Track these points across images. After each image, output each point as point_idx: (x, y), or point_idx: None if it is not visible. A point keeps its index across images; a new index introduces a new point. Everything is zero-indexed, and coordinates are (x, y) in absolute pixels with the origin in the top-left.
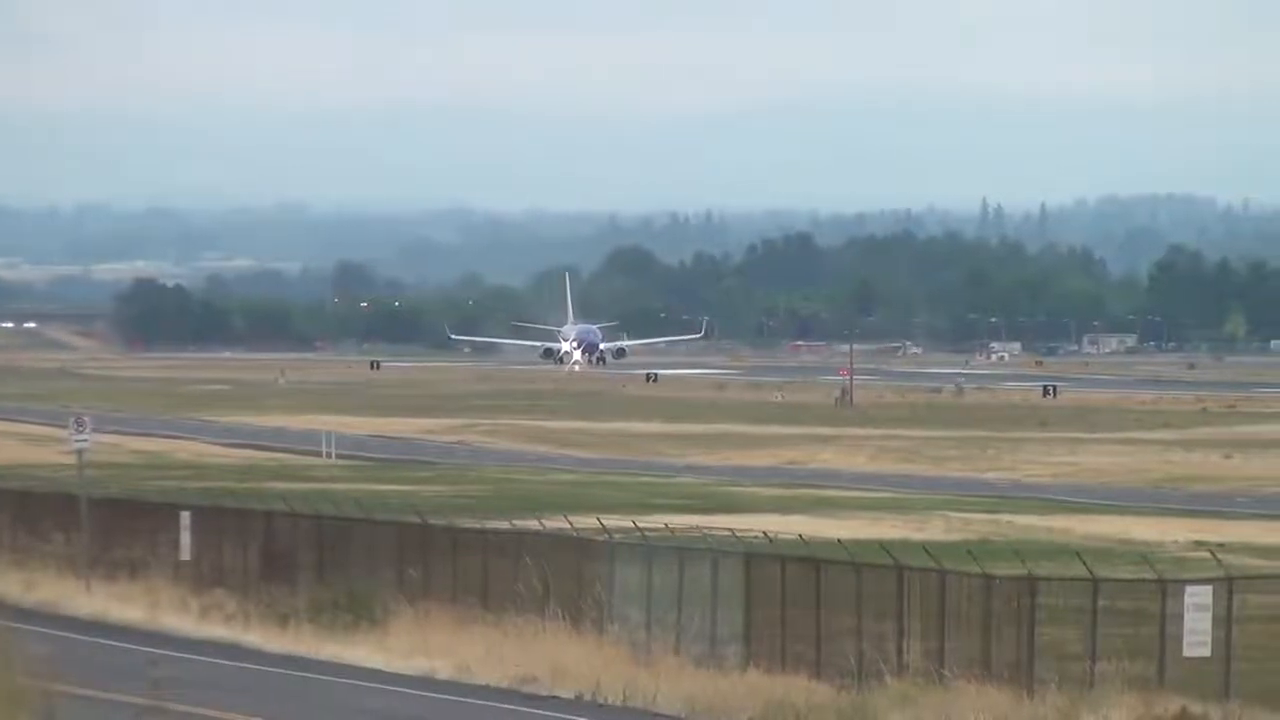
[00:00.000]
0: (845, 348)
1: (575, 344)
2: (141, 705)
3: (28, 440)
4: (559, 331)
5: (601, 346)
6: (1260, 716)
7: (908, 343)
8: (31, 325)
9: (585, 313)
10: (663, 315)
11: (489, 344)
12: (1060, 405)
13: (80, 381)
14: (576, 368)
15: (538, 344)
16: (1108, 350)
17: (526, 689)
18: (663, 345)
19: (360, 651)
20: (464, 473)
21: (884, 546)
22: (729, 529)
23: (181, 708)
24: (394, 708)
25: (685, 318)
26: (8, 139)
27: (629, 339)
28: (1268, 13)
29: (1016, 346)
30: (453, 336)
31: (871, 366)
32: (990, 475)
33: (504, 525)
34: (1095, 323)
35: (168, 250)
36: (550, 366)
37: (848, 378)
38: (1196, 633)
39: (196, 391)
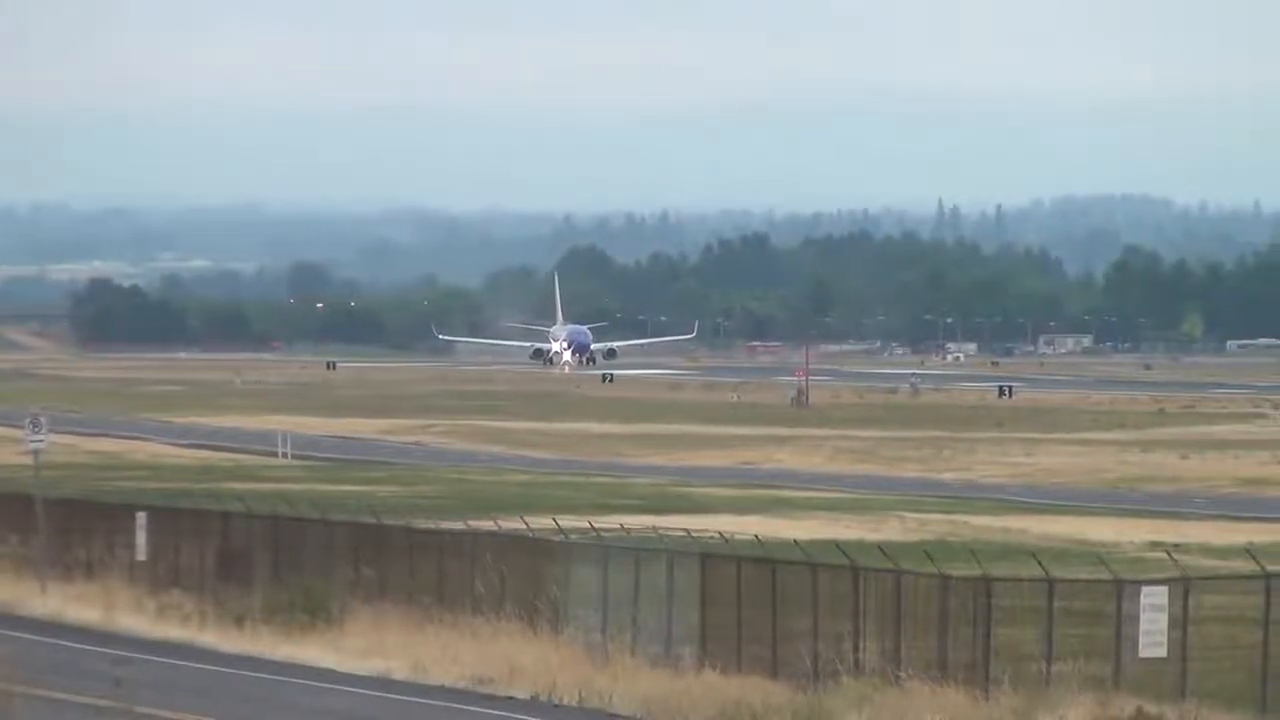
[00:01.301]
0: (833, 348)
1: (565, 344)
2: (100, 706)
3: None
4: (549, 332)
5: (592, 347)
6: (1216, 717)
7: (893, 343)
8: None
9: (543, 313)
10: (619, 315)
11: (477, 344)
12: (1016, 406)
13: (36, 382)
14: (567, 369)
15: (527, 344)
16: (1064, 351)
17: (482, 689)
18: (652, 346)
19: (316, 652)
20: (420, 473)
21: (840, 547)
22: (685, 529)
23: (138, 709)
24: (349, 708)
25: (641, 318)
26: None
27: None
28: (1227, 16)
29: (972, 347)
30: (441, 337)
31: (828, 367)
32: (946, 476)
33: (460, 526)
34: (1051, 323)
35: (124, 251)
36: (522, 367)
37: (803, 378)
38: (1152, 633)
39: (153, 392)
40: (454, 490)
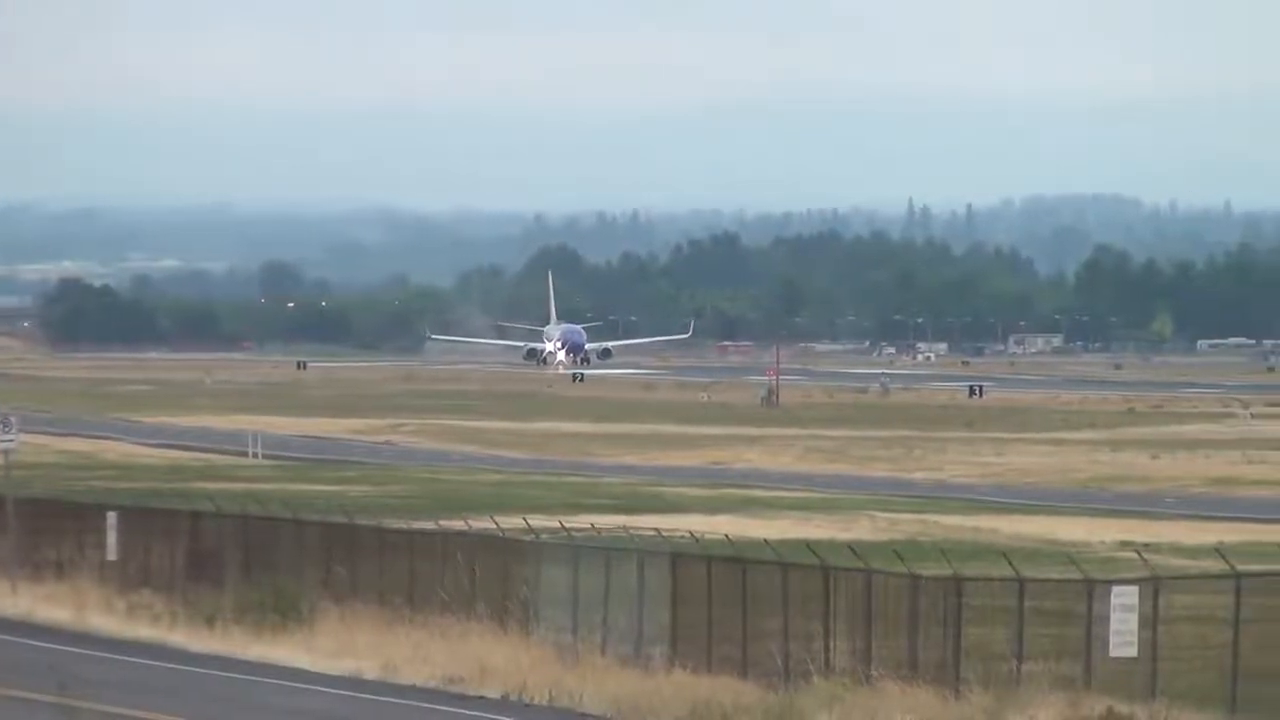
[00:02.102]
0: (822, 348)
1: (559, 344)
2: (64, 706)
3: None
4: (543, 332)
5: (586, 347)
6: (1186, 716)
7: (883, 343)
8: None
9: (512, 313)
10: (589, 315)
11: (469, 344)
12: (987, 405)
13: (6, 382)
14: (561, 369)
15: (521, 344)
16: (1034, 350)
17: (453, 689)
18: (647, 346)
19: (287, 651)
20: (391, 473)
21: (810, 547)
22: (655, 529)
23: (107, 708)
24: (320, 708)
25: (612, 318)
26: None
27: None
28: (1197, 15)
29: (943, 347)
30: (433, 337)
31: (798, 366)
32: (917, 475)
33: (430, 526)
34: (1022, 323)
35: (94, 250)
36: (494, 366)
37: (774, 378)
38: (1123, 633)
39: (123, 392)
40: (425, 490)
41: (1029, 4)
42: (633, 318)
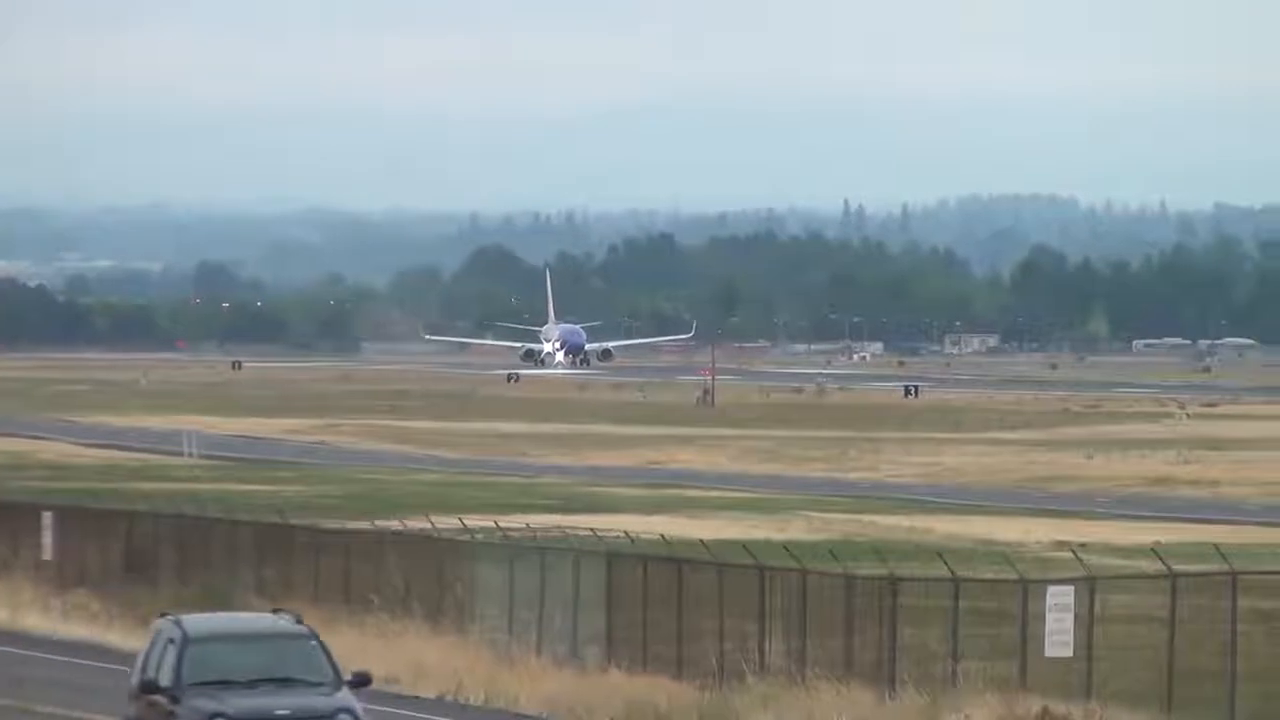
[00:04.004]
0: (801, 348)
1: (558, 345)
2: (4, 706)
3: None
4: (540, 332)
5: (586, 348)
6: (1121, 716)
7: (865, 342)
8: None
9: (449, 312)
10: (526, 316)
11: (464, 344)
12: (922, 406)
13: None
14: (560, 369)
15: (517, 344)
16: (970, 350)
17: (389, 689)
18: (647, 347)
19: None
20: (326, 473)
21: (746, 547)
22: (591, 529)
23: (43, 708)
24: None
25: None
26: None
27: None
28: (1130, 13)
29: (878, 347)
30: (428, 338)
31: (733, 366)
32: (853, 475)
33: (366, 525)
34: (957, 323)
35: (29, 251)
36: (429, 366)
37: (709, 378)
38: (1058, 633)
39: (59, 392)
40: (360, 490)
41: (958, 4)
42: (570, 318)
